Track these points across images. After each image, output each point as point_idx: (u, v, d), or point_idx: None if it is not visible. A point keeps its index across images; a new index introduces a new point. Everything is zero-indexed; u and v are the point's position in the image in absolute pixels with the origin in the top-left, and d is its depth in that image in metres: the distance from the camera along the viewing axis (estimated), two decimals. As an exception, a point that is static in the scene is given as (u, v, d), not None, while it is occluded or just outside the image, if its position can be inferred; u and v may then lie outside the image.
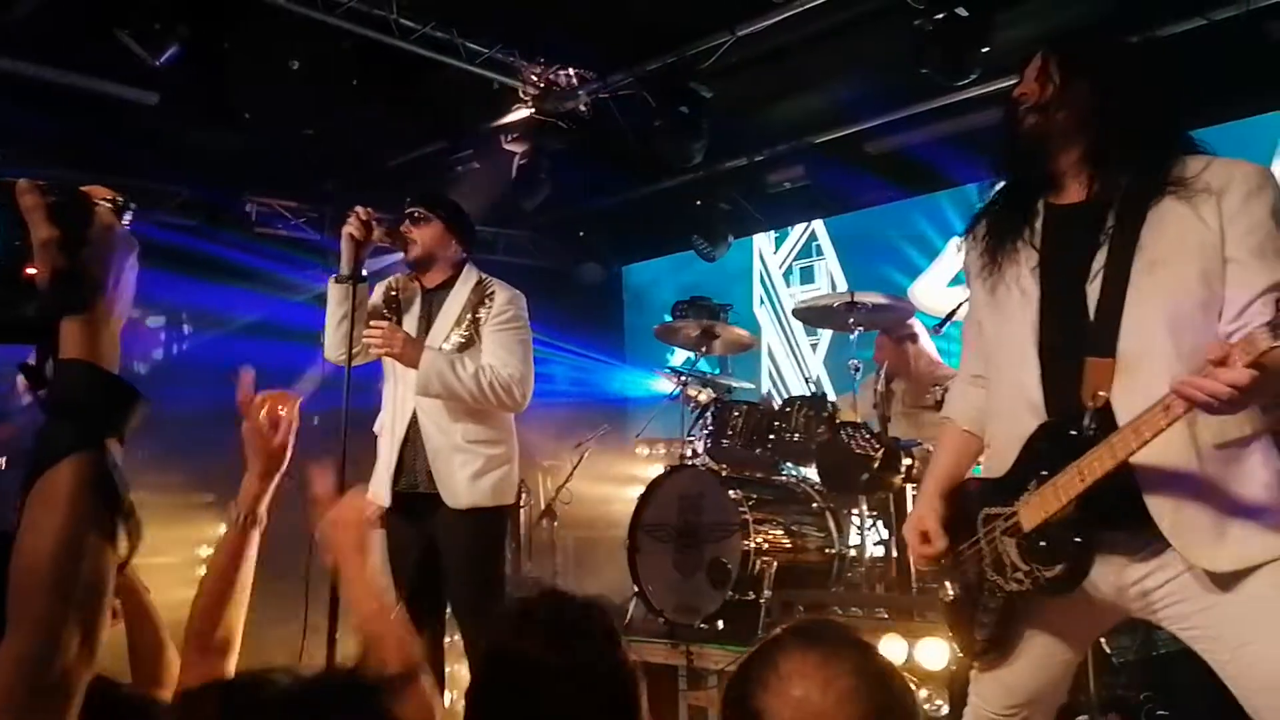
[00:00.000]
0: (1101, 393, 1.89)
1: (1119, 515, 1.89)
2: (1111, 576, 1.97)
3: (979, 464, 2.32)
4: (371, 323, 3.53)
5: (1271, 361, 1.65)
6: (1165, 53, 4.76)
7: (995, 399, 2.18)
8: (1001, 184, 2.20)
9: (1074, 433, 1.91)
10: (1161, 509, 1.88)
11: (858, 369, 4.98)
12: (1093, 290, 1.96)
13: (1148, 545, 1.91)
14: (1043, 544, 1.94)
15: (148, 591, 2.04)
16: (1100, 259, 1.96)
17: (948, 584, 2.21)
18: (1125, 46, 2.20)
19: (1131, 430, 1.80)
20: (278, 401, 1.85)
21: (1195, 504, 1.87)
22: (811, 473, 4.93)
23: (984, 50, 4.81)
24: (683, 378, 5.45)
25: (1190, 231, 1.89)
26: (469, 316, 3.62)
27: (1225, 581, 1.86)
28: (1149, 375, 1.77)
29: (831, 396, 5.46)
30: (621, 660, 1.61)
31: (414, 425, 3.57)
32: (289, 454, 1.85)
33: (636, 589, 4.70)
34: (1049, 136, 2.03)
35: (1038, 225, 2.09)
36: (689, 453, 5.15)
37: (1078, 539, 1.90)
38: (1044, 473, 1.94)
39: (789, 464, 5.22)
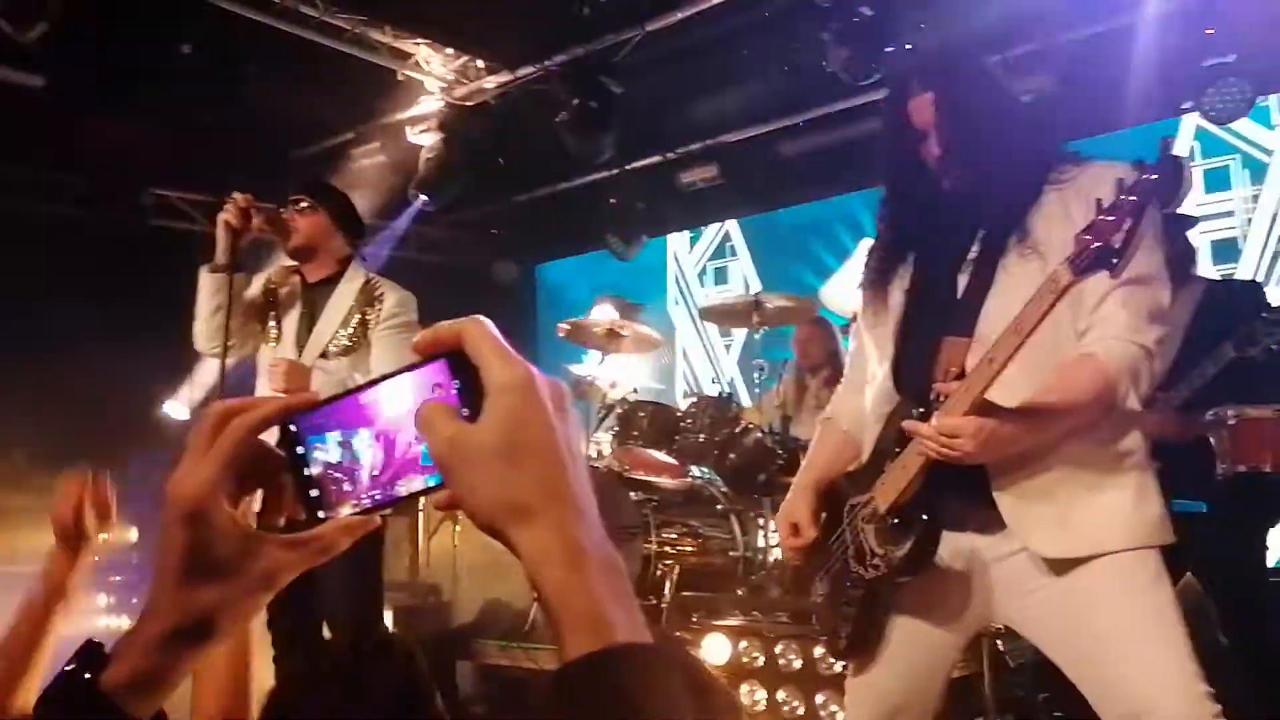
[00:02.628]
0: (954, 369, 1.88)
1: (965, 493, 1.88)
2: (963, 556, 1.95)
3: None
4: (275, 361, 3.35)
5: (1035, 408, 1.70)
6: (1059, 60, 4.82)
7: (869, 394, 2.16)
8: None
9: (921, 410, 1.89)
10: (1004, 488, 1.87)
11: (763, 369, 4.94)
12: (964, 275, 1.98)
13: (994, 525, 1.90)
14: (895, 523, 1.92)
15: None
16: (976, 247, 1.98)
17: (818, 585, 2.16)
18: (987, 71, 2.17)
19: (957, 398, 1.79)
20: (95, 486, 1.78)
21: (1041, 486, 1.85)
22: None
23: (888, 50, 4.81)
24: (590, 377, 5.35)
25: (1059, 226, 1.89)
26: (356, 319, 3.43)
27: (1059, 569, 1.84)
28: None
29: (745, 397, 5.41)
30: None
31: (292, 427, 3.37)
32: (91, 536, 1.76)
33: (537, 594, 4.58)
34: (970, 186, 1.99)
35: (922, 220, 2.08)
36: (594, 453, 5.05)
37: (925, 516, 1.88)
38: (896, 451, 1.93)
39: (701, 465, 5.14)
